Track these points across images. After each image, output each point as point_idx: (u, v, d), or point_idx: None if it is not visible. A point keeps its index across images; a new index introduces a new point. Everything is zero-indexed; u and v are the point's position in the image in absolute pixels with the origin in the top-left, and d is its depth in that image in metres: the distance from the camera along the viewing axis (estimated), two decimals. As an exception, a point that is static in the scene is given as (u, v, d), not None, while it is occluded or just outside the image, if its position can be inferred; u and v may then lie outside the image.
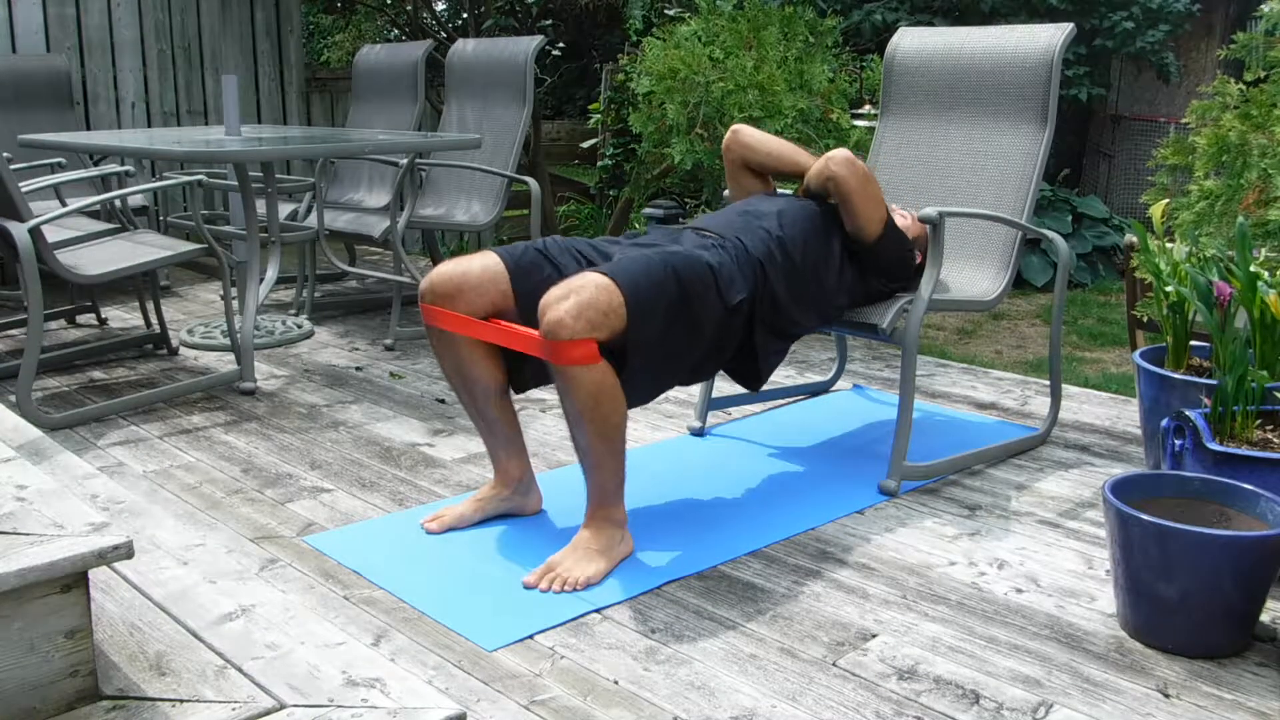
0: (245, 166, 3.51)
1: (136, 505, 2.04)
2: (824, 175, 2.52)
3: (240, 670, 1.48)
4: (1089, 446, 2.94)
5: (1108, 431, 3.07)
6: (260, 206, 3.63)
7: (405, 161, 3.95)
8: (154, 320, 3.85)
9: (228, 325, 3.62)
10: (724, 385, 3.11)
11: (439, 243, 5.53)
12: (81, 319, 4.28)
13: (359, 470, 2.74)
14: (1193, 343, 2.51)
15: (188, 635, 1.57)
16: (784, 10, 4.74)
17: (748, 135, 2.73)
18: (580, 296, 2.00)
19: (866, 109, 5.22)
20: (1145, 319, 2.97)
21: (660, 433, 3.03)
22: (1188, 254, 2.52)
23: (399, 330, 3.99)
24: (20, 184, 3.01)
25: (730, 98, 4.41)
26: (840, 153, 2.51)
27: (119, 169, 3.69)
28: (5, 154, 3.01)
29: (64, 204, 3.53)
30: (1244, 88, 2.88)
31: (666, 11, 5.95)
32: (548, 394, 3.20)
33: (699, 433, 3.01)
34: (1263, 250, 2.60)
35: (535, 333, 2.05)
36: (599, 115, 6.58)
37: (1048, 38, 2.91)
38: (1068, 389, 3.42)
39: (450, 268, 2.25)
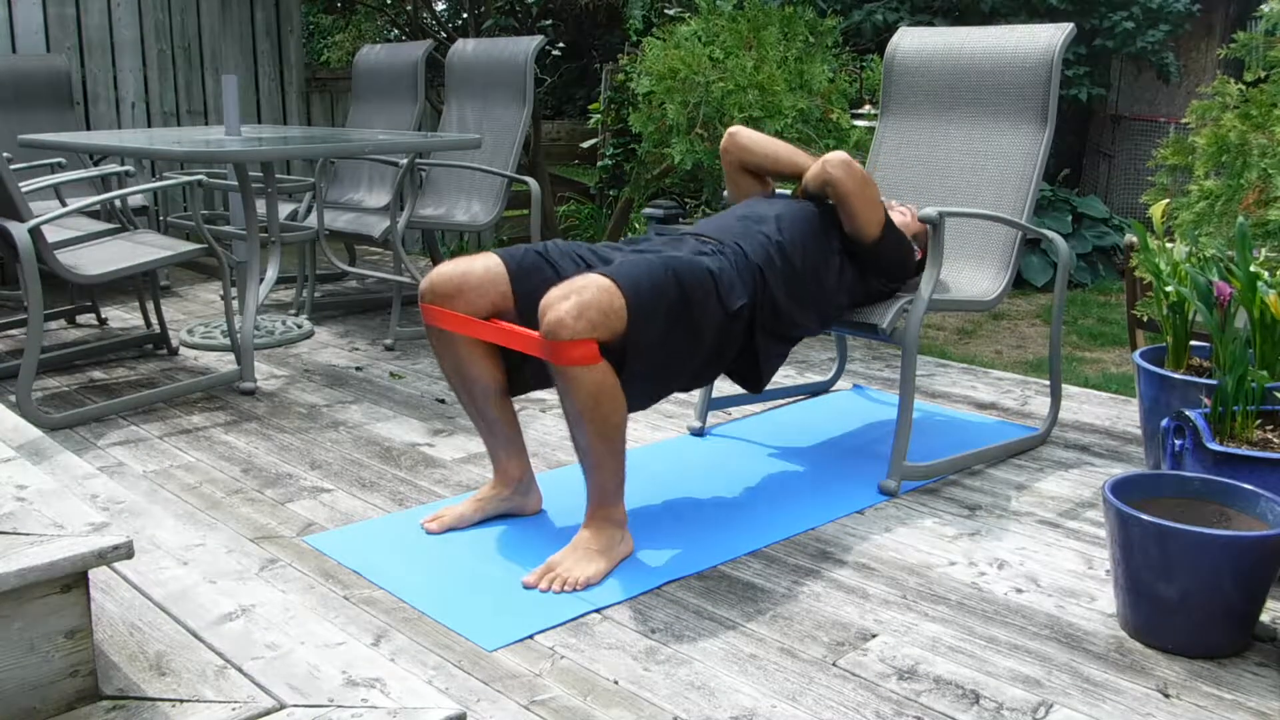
0: (245, 166, 3.51)
1: (136, 505, 2.04)
2: (821, 178, 2.51)
3: (240, 670, 1.48)
4: (1089, 446, 2.94)
5: (1108, 431, 3.07)
6: (260, 206, 3.63)
7: (405, 161, 3.95)
8: (154, 320, 3.85)
9: (228, 325, 3.62)
10: (724, 385, 3.11)
11: (439, 243, 5.53)
12: (81, 319, 4.28)
13: (359, 470, 2.74)
14: (1193, 343, 2.51)
15: (188, 635, 1.57)
16: (784, 10, 4.74)
17: (745, 138, 2.72)
18: (581, 297, 2.00)
19: (866, 109, 5.22)
20: (1145, 318, 2.97)
21: (660, 433, 3.03)
22: (1188, 254, 2.52)
23: (399, 330, 3.99)
24: (20, 184, 3.01)
25: (730, 98, 4.41)
26: (837, 155, 2.51)
27: (119, 169, 3.69)
28: (5, 154, 3.01)
29: (64, 204, 3.53)
30: (1244, 88, 2.88)
31: (666, 11, 5.94)
32: (548, 394, 3.20)
33: (699, 433, 3.01)
34: (1263, 250, 2.60)
35: (535, 333, 2.05)
36: (599, 115, 6.58)
37: (1048, 38, 2.91)
38: (1068, 389, 3.42)
39: (451, 268, 2.25)
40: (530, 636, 1.93)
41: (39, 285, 2.91)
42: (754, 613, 2.03)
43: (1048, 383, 3.24)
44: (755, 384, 2.44)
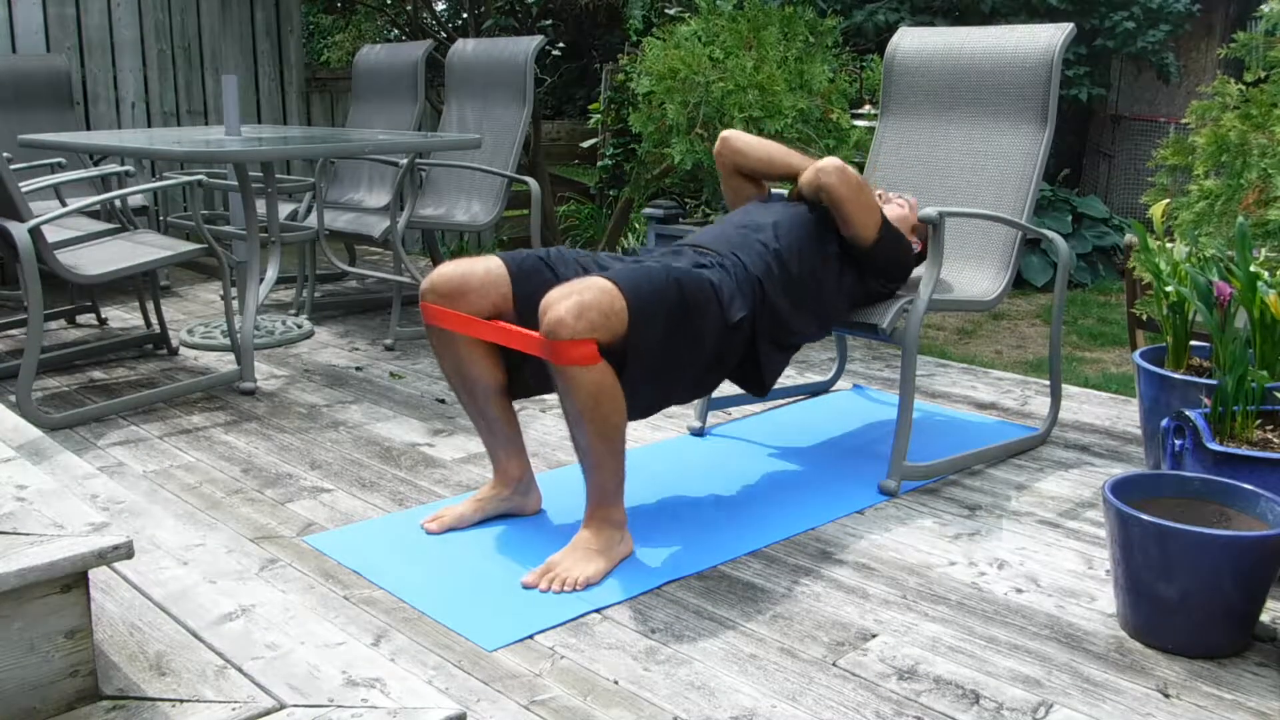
0: (245, 166, 3.51)
1: (136, 505, 2.04)
2: (815, 185, 2.50)
3: (240, 670, 1.48)
4: (1089, 446, 2.94)
5: (1108, 431, 3.07)
6: (260, 206, 3.63)
7: (405, 161, 3.95)
8: (154, 320, 3.85)
9: (228, 325, 3.62)
10: (724, 385, 3.10)
11: (439, 243, 5.53)
12: (81, 319, 4.28)
13: (359, 470, 2.74)
14: (1193, 343, 2.51)
15: (188, 635, 1.57)
16: (784, 10, 4.74)
17: (738, 141, 2.70)
18: (582, 297, 2.00)
19: (866, 109, 5.22)
20: (1145, 318, 2.97)
21: (660, 433, 3.03)
22: (1188, 254, 2.52)
23: (399, 330, 3.99)
24: (20, 184, 3.01)
25: (730, 98, 4.41)
26: (830, 163, 2.49)
27: (119, 169, 3.69)
28: (5, 154, 3.01)
29: (64, 204, 3.53)
30: (1244, 88, 2.88)
31: (666, 11, 5.94)
32: (548, 394, 3.20)
33: (699, 433, 3.01)
34: (1263, 250, 2.60)
35: (536, 333, 2.05)
36: (599, 115, 6.58)
37: (1048, 38, 2.91)
38: (1068, 389, 3.42)
39: (453, 268, 2.26)
40: (530, 636, 1.93)
41: (39, 285, 2.91)
42: (754, 613, 2.03)
43: (1048, 383, 3.24)
44: (759, 389, 2.44)
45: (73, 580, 1.40)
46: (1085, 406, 3.30)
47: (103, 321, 4.25)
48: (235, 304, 3.63)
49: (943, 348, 4.94)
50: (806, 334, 2.50)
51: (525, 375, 2.34)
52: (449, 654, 1.87)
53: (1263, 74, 2.90)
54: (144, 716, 1.39)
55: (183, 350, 3.88)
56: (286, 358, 3.82)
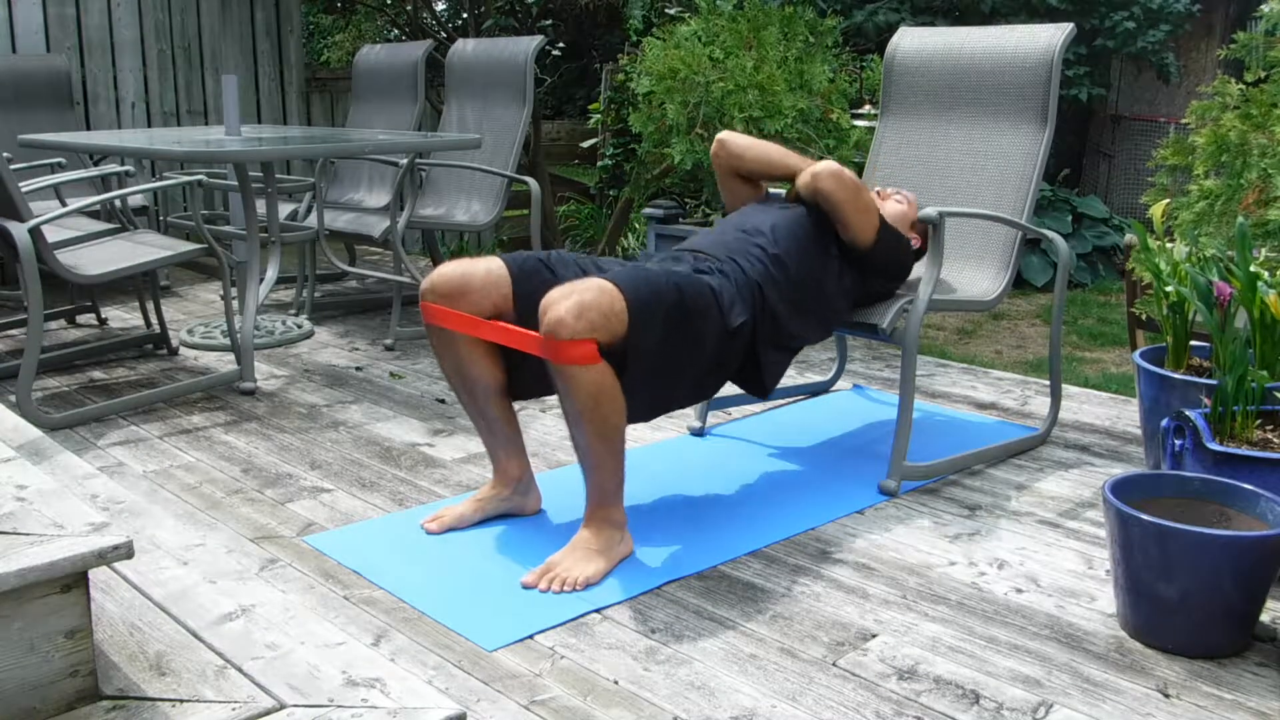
0: (245, 166, 3.51)
1: (136, 505, 2.04)
2: (812, 189, 2.50)
3: (240, 670, 1.48)
4: (1089, 446, 2.94)
5: (1108, 431, 3.07)
6: (260, 206, 3.63)
7: (405, 161, 3.95)
8: (154, 320, 3.85)
9: (228, 325, 3.62)
10: (725, 385, 3.11)
11: (439, 243, 5.53)
12: (81, 319, 4.28)
13: (359, 470, 2.74)
14: (1193, 343, 2.51)
15: (188, 635, 1.57)
16: (784, 10, 4.74)
17: (734, 144, 2.68)
18: (583, 297, 2.00)
19: (866, 109, 5.22)
20: (1145, 318, 2.97)
21: (660, 433, 3.03)
22: (1188, 254, 2.52)
23: (399, 330, 3.99)
24: (20, 184, 3.01)
25: (730, 98, 4.41)
26: (826, 167, 2.48)
27: (119, 169, 3.69)
28: (5, 154, 3.01)
29: (64, 204, 3.53)
30: (1244, 88, 2.88)
31: (667, 11, 5.94)
32: (548, 396, 3.20)
33: (699, 433, 3.01)
34: (1263, 250, 2.60)
35: (536, 333, 2.05)
36: (599, 115, 6.58)
37: (1048, 38, 2.91)
38: (1068, 389, 3.42)
39: (454, 268, 2.26)
40: (530, 636, 1.93)
41: (39, 285, 2.91)
42: (754, 613, 2.03)
43: (1048, 383, 3.24)
44: (760, 391, 2.44)
45: (73, 580, 1.40)
46: (1085, 406, 3.30)
47: (103, 321, 4.25)
48: (235, 304, 3.63)
49: (943, 348, 4.94)
50: (807, 336, 2.50)
51: (525, 376, 2.34)
52: (449, 654, 1.87)
53: (1263, 74, 2.90)
54: (144, 716, 1.39)
55: (183, 350, 3.88)
56: (286, 358, 3.82)
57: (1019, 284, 6.12)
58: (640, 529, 2.33)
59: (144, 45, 5.72)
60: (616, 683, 1.79)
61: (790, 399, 3.36)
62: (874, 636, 1.94)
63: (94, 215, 3.86)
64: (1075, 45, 6.36)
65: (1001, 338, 5.30)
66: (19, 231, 2.87)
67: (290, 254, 4.93)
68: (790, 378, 3.55)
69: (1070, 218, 6.54)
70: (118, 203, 3.65)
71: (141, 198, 4.75)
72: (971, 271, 2.93)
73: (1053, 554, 2.28)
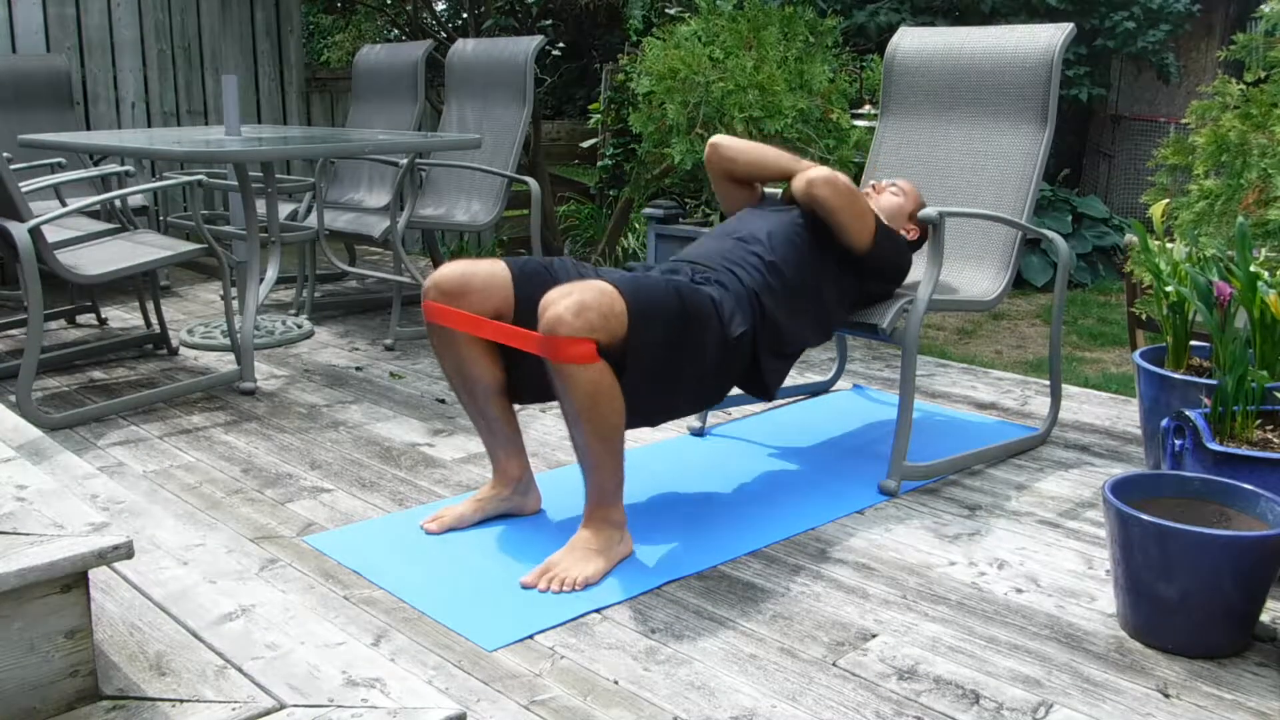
0: (245, 166, 3.51)
1: (136, 505, 2.04)
2: (807, 196, 2.49)
3: (240, 670, 1.48)
4: (1089, 446, 2.94)
5: (1108, 431, 3.07)
6: (260, 206, 3.63)
7: (405, 161, 3.95)
8: (154, 320, 3.85)
9: (228, 325, 3.62)
10: (724, 385, 3.11)
11: (439, 243, 5.53)
12: (81, 319, 4.28)
13: (359, 470, 2.74)
14: (1193, 343, 2.51)
15: (188, 635, 1.57)
16: (784, 10, 4.74)
17: (727, 148, 2.66)
18: (582, 296, 2.00)
19: (866, 109, 5.22)
20: (1145, 318, 2.97)
21: (660, 433, 3.03)
22: (1188, 254, 2.52)
23: (399, 330, 3.99)
24: (20, 184, 3.01)
25: (730, 98, 4.41)
26: (821, 174, 2.46)
27: (119, 169, 3.69)
28: (5, 154, 3.01)
29: (64, 204, 3.53)
30: (1244, 88, 2.88)
31: (667, 11, 5.94)
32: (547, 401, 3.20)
33: (699, 433, 3.01)
34: (1263, 250, 2.60)
35: (535, 332, 2.05)
36: (599, 115, 6.58)
37: (1048, 38, 2.91)
38: (1068, 389, 3.42)
39: (456, 267, 2.26)
40: (530, 636, 1.93)
41: (39, 285, 2.91)
42: (754, 613, 2.03)
43: (1048, 383, 3.24)
44: (764, 394, 2.44)
45: (73, 580, 1.40)
46: (1085, 406, 3.30)
47: (103, 321, 4.25)
48: (235, 304, 3.63)
49: (943, 348, 4.94)
50: (808, 341, 2.50)
51: (524, 378, 2.34)
52: (449, 654, 1.87)
53: (1263, 74, 2.90)
54: (144, 716, 1.39)
55: (183, 350, 3.88)
56: (286, 358, 3.82)
57: (1019, 284, 6.13)
58: (640, 529, 2.33)
59: (144, 45, 5.72)
60: (616, 683, 1.79)
61: (790, 399, 3.36)
62: (874, 636, 1.94)
63: (94, 215, 3.86)
64: (1075, 45, 6.36)
65: (1001, 338, 5.30)
66: (19, 231, 2.87)
67: (290, 254, 4.93)
68: (790, 378, 3.54)
69: (1070, 218, 6.54)
70: (118, 203, 3.65)
71: (141, 198, 4.75)
72: (971, 271, 2.93)
73: (1053, 554, 2.28)
